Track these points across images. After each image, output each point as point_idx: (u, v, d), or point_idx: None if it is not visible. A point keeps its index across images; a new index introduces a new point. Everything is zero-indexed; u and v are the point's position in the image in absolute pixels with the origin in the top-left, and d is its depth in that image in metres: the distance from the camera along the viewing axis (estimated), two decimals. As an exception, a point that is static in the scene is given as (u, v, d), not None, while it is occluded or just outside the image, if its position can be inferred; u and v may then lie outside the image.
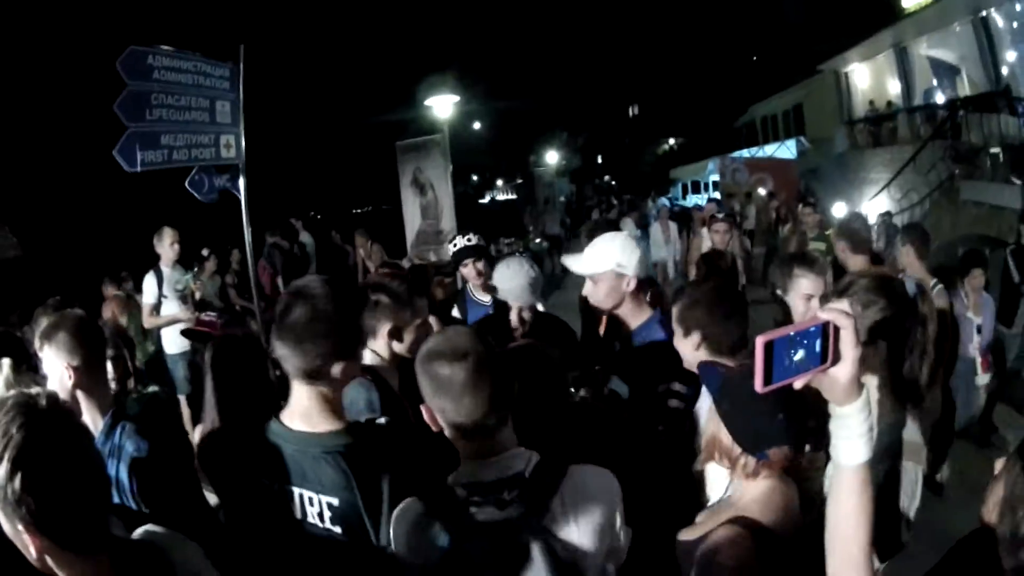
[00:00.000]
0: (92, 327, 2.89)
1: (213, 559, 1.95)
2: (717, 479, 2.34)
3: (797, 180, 24.63)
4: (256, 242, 6.68)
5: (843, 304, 1.59)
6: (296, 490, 2.15)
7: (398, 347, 3.09)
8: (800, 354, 1.54)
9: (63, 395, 2.60)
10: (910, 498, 2.29)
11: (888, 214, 14.48)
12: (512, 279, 4.11)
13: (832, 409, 1.64)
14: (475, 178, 72.73)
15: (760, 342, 1.49)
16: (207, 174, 6.01)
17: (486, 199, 69.90)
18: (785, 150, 32.25)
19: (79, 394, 2.78)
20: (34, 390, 1.64)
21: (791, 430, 2.06)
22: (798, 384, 1.56)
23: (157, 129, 5.45)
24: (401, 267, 6.30)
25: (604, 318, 3.71)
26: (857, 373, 1.57)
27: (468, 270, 4.96)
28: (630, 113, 71.02)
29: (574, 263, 3.60)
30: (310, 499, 2.14)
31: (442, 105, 10.27)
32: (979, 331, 6.63)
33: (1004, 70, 19.45)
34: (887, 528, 2.15)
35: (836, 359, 1.56)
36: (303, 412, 2.19)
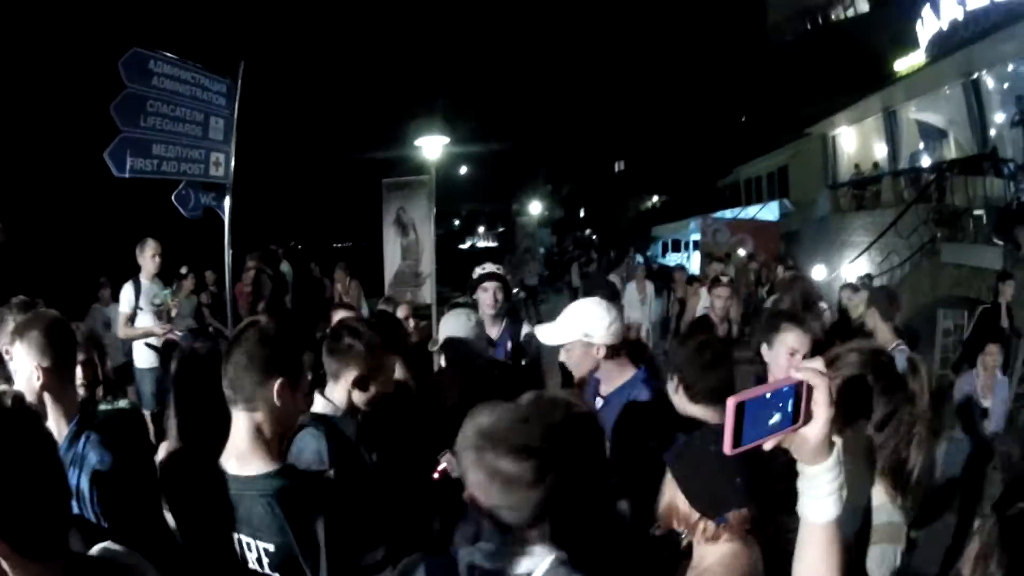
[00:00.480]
0: (65, 329, 2.78)
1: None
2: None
3: (778, 242, 24.79)
4: (236, 265, 6.59)
5: (817, 363, 1.56)
6: (236, 535, 2.14)
7: (358, 397, 3.02)
8: (772, 415, 1.51)
9: (30, 396, 2.53)
10: None
11: (868, 276, 14.59)
12: (454, 325, 4.22)
13: (801, 468, 1.60)
14: (457, 222, 72.99)
15: (731, 403, 1.44)
16: (194, 190, 5.93)
17: (466, 244, 70.08)
18: (768, 212, 32.52)
19: (46, 397, 2.65)
20: (1, 388, 1.56)
21: (750, 492, 2.02)
22: (768, 445, 1.53)
23: (150, 137, 5.38)
24: (354, 307, 6.41)
25: (580, 377, 3.72)
26: (828, 433, 1.54)
27: (487, 294, 5.00)
28: (615, 168, 71.62)
29: (543, 333, 3.64)
30: (248, 544, 2.13)
31: (431, 146, 10.20)
32: (985, 415, 6.33)
33: (992, 132, 19.81)
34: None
35: (808, 419, 1.54)
36: (238, 453, 2.18)
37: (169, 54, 5.50)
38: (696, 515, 2.07)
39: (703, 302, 8.33)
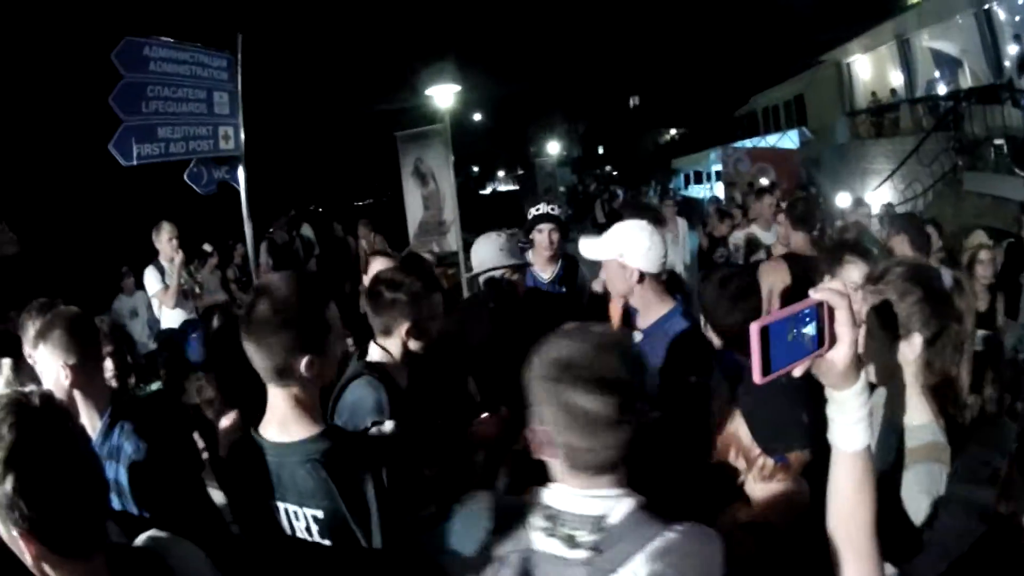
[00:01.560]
0: (88, 323, 2.78)
1: (220, 563, 1.88)
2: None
3: (799, 170, 24.45)
4: (257, 235, 6.61)
5: (836, 283, 1.51)
6: (281, 505, 2.06)
7: (415, 345, 2.98)
8: (798, 339, 1.46)
9: (59, 395, 2.52)
10: (933, 500, 2.16)
11: (891, 205, 14.37)
12: (484, 245, 4.16)
13: (829, 394, 1.56)
14: (476, 169, 72.60)
15: (755, 328, 1.40)
16: (206, 166, 5.94)
17: (487, 190, 69.90)
18: (787, 140, 32.04)
19: (76, 394, 2.67)
20: (28, 388, 1.58)
21: (813, 432, 1.87)
22: (798, 371, 1.49)
23: (153, 122, 5.37)
24: (392, 254, 6.29)
25: (619, 310, 3.67)
26: (855, 355, 1.49)
27: (542, 236, 4.90)
28: (630, 104, 70.76)
29: (584, 246, 3.52)
30: (295, 513, 2.06)
31: (443, 94, 10.14)
32: None
33: (1006, 63, 19.33)
34: (907, 530, 2.05)
35: (833, 341, 1.49)
36: (279, 419, 2.09)
37: (163, 37, 5.46)
38: (757, 450, 2.02)
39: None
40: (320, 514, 2.01)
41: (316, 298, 2.10)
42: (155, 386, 3.72)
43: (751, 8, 44.24)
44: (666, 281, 3.68)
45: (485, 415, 3.08)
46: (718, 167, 29.19)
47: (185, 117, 5.63)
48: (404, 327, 2.93)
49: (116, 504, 2.55)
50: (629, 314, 3.54)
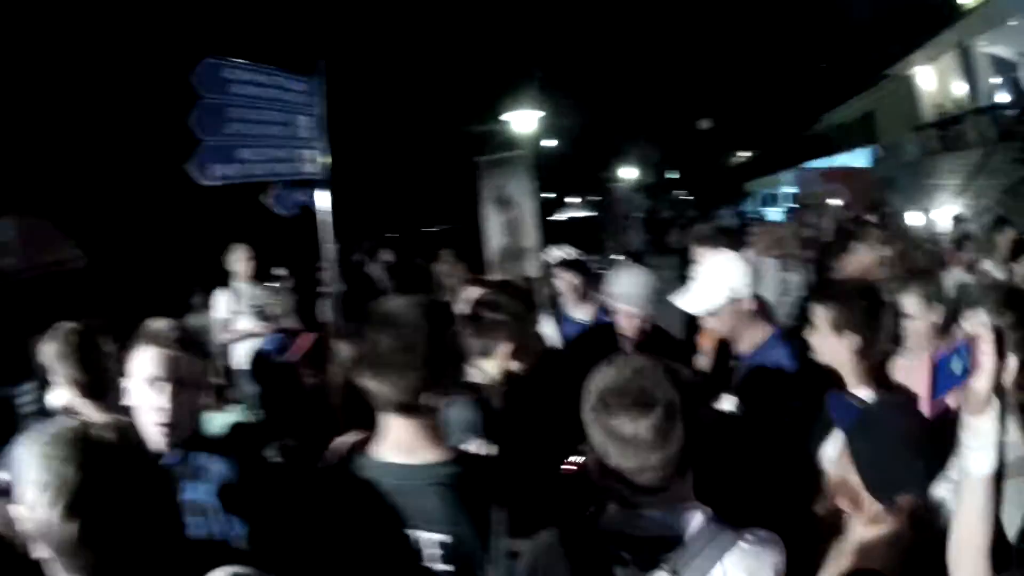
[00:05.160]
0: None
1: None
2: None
3: (870, 189, 24.03)
4: (342, 260, 6.46)
5: (982, 316, 1.66)
6: (408, 531, 1.96)
7: (515, 366, 2.92)
8: (956, 369, 1.60)
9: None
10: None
11: (962, 217, 13.95)
12: (633, 285, 4.02)
13: (965, 421, 1.65)
14: (551, 195, 72.92)
15: (929, 359, 1.60)
16: (287, 189, 5.82)
17: (560, 216, 70.21)
18: (859, 158, 31.64)
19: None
20: (100, 418, 1.39)
21: (927, 478, 1.95)
22: (951, 400, 1.63)
23: (234, 143, 5.25)
24: (487, 280, 6.17)
25: (710, 340, 3.55)
26: (993, 384, 1.60)
27: (563, 283, 4.90)
28: (701, 127, 70.59)
29: (685, 303, 3.39)
30: (418, 538, 1.95)
31: (524, 120, 10.02)
32: None
33: None
34: (1001, 545, 2.00)
35: (975, 370, 1.61)
36: (398, 443, 1.99)
37: (242, 61, 5.37)
38: (865, 494, 1.99)
39: None
40: (448, 539, 1.93)
41: (443, 330, 2.00)
42: (237, 412, 3.57)
43: (816, 27, 43.87)
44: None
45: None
46: (789, 188, 29.08)
47: (268, 139, 5.53)
48: (506, 348, 2.88)
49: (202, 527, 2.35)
50: (724, 344, 3.50)
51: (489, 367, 2.90)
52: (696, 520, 1.72)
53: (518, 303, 2.99)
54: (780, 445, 2.85)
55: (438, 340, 1.94)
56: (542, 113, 10.02)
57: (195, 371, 2.58)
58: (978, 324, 1.59)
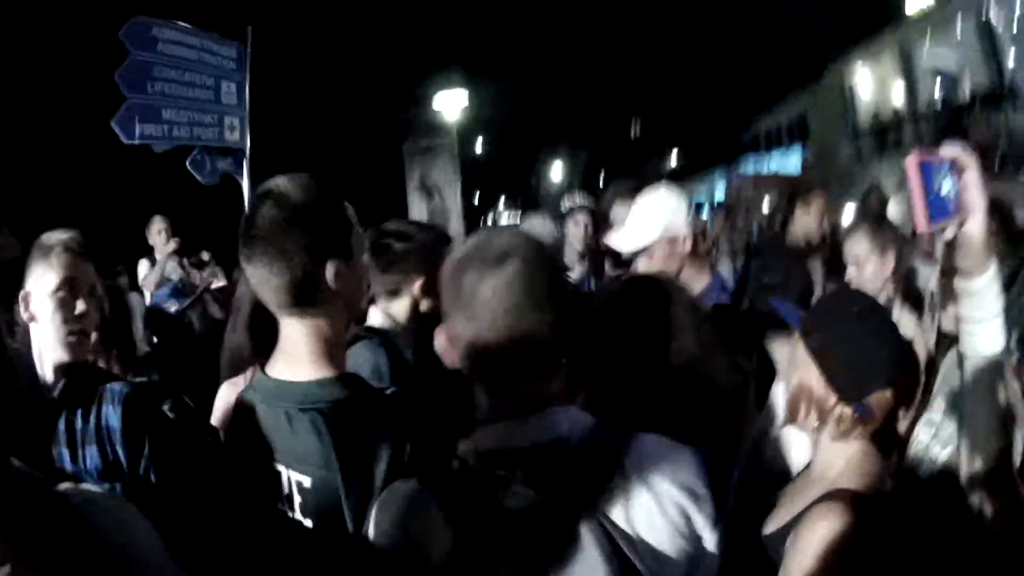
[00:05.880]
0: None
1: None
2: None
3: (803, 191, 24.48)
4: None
5: (957, 147, 1.40)
6: (276, 466, 1.62)
7: (426, 305, 2.59)
8: (944, 188, 1.38)
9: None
10: None
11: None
12: (541, 230, 4.04)
13: (963, 287, 1.46)
14: (476, 198, 72.67)
15: (913, 161, 1.33)
16: (209, 155, 5.79)
17: (489, 219, 70.04)
18: (791, 157, 32.17)
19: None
20: None
21: (898, 367, 1.64)
22: (948, 233, 1.41)
23: (158, 103, 5.24)
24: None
25: None
26: (988, 229, 1.41)
27: (577, 229, 4.73)
28: (632, 133, 71.10)
29: (617, 241, 3.12)
30: (284, 477, 1.61)
31: (450, 102, 10.04)
32: None
33: (1008, 69, 19.60)
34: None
35: (965, 213, 1.41)
36: (286, 352, 1.66)
37: (172, 21, 5.37)
38: (833, 399, 1.65)
39: None
40: (309, 483, 1.57)
41: (332, 195, 1.68)
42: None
43: (752, 27, 44.45)
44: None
45: None
46: (721, 196, 29.17)
47: (191, 102, 5.50)
48: (416, 284, 2.58)
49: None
50: None
51: (396, 308, 2.62)
52: (581, 421, 1.38)
53: (427, 232, 2.71)
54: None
55: (325, 204, 1.64)
56: (466, 93, 9.98)
57: (100, 282, 2.40)
58: (961, 152, 1.38)
